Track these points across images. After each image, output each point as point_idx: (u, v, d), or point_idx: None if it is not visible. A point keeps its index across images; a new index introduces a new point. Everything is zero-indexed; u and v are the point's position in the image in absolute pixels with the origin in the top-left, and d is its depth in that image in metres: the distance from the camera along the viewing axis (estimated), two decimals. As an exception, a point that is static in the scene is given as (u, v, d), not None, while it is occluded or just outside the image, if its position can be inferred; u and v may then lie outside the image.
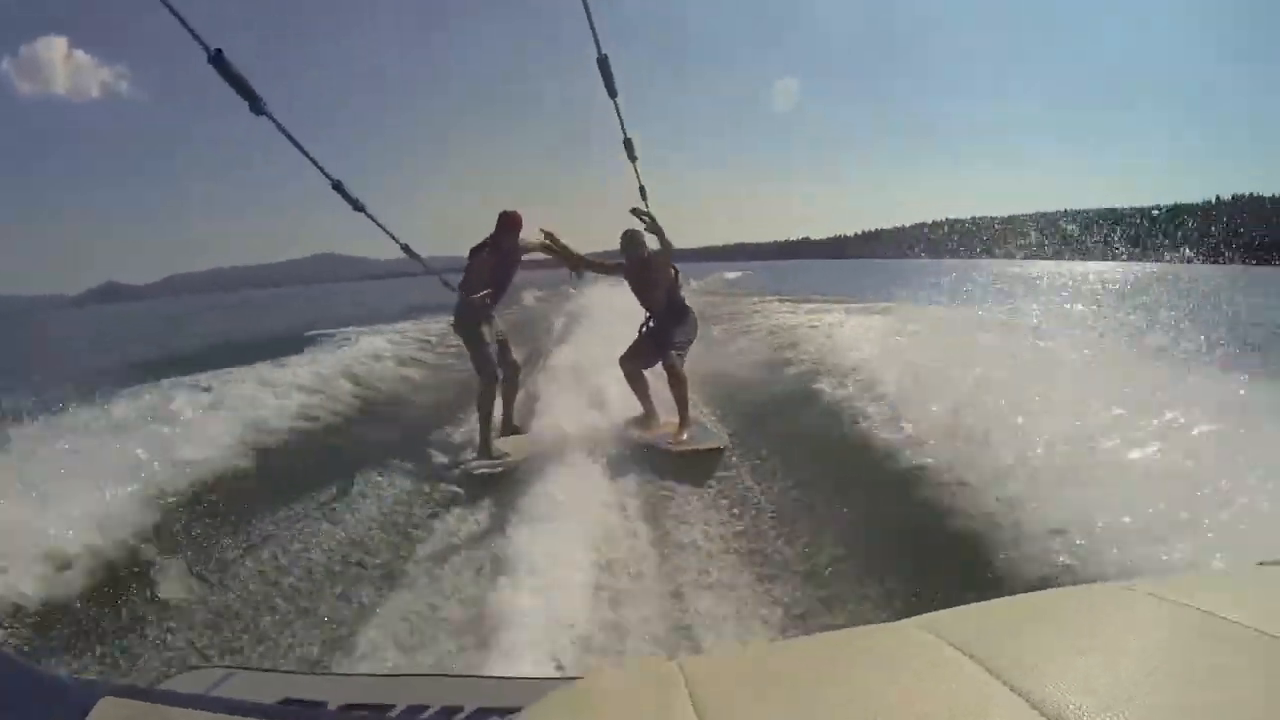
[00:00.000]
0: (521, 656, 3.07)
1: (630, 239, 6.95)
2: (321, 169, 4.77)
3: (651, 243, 6.86)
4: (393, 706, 1.38)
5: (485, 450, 6.50)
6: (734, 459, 6.27)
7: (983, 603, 1.06)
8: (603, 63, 5.27)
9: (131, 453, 5.51)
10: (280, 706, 1.36)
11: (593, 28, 4.73)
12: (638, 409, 7.13)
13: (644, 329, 7.14)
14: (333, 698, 1.47)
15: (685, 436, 6.48)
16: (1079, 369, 6.29)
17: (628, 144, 6.35)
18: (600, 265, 7.36)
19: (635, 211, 6.67)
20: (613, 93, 5.55)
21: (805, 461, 5.92)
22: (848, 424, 6.07)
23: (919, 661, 0.85)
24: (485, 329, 6.77)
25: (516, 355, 7.48)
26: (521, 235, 6.90)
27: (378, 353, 11.88)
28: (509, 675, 2.55)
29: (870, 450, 5.46)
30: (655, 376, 7.05)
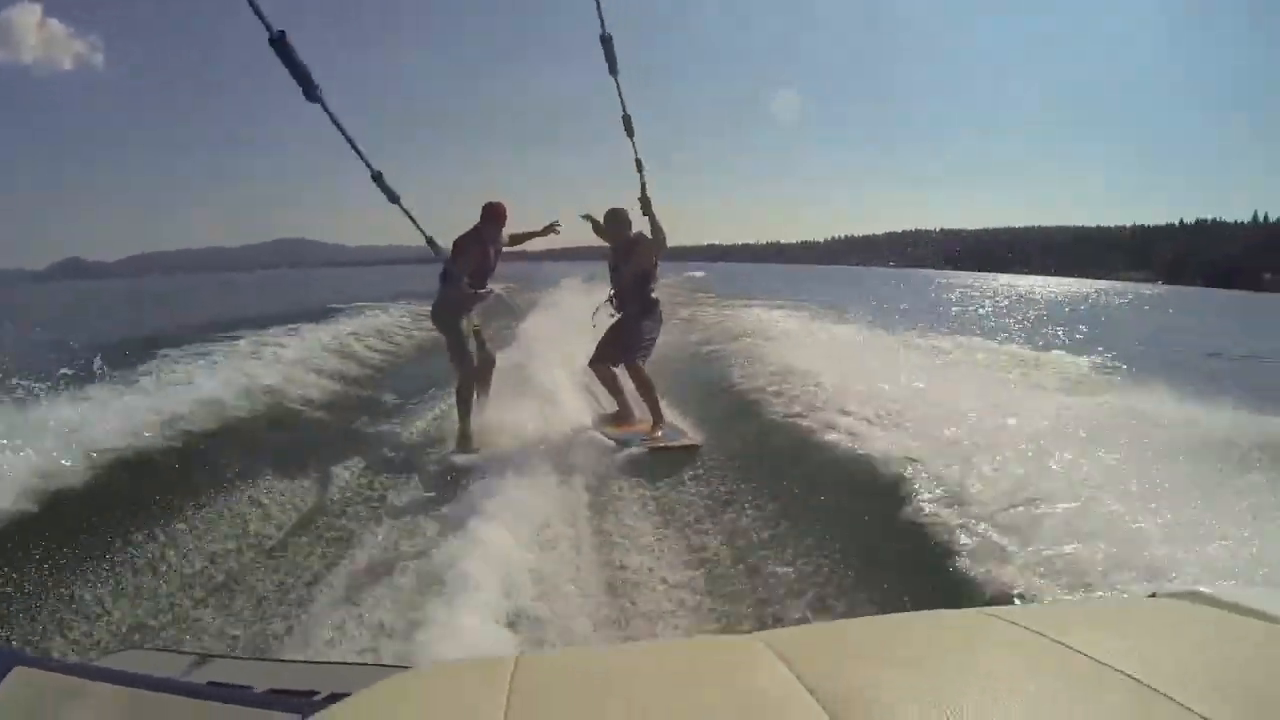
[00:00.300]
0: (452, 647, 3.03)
1: (615, 216, 6.94)
2: (365, 160, 4.75)
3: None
4: (316, 693, 1.36)
5: (464, 441, 6.54)
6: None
7: (836, 621, 1.12)
8: (606, 41, 5.29)
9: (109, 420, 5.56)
10: (200, 685, 1.34)
11: (598, 3, 4.83)
12: (612, 404, 7.22)
13: (609, 316, 7.18)
14: (259, 682, 1.44)
15: (659, 434, 6.56)
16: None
17: (626, 120, 6.28)
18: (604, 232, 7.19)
19: (642, 196, 6.50)
20: (614, 70, 5.51)
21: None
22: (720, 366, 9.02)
23: (746, 679, 0.87)
24: (463, 322, 6.81)
25: (490, 347, 7.49)
26: (506, 228, 6.96)
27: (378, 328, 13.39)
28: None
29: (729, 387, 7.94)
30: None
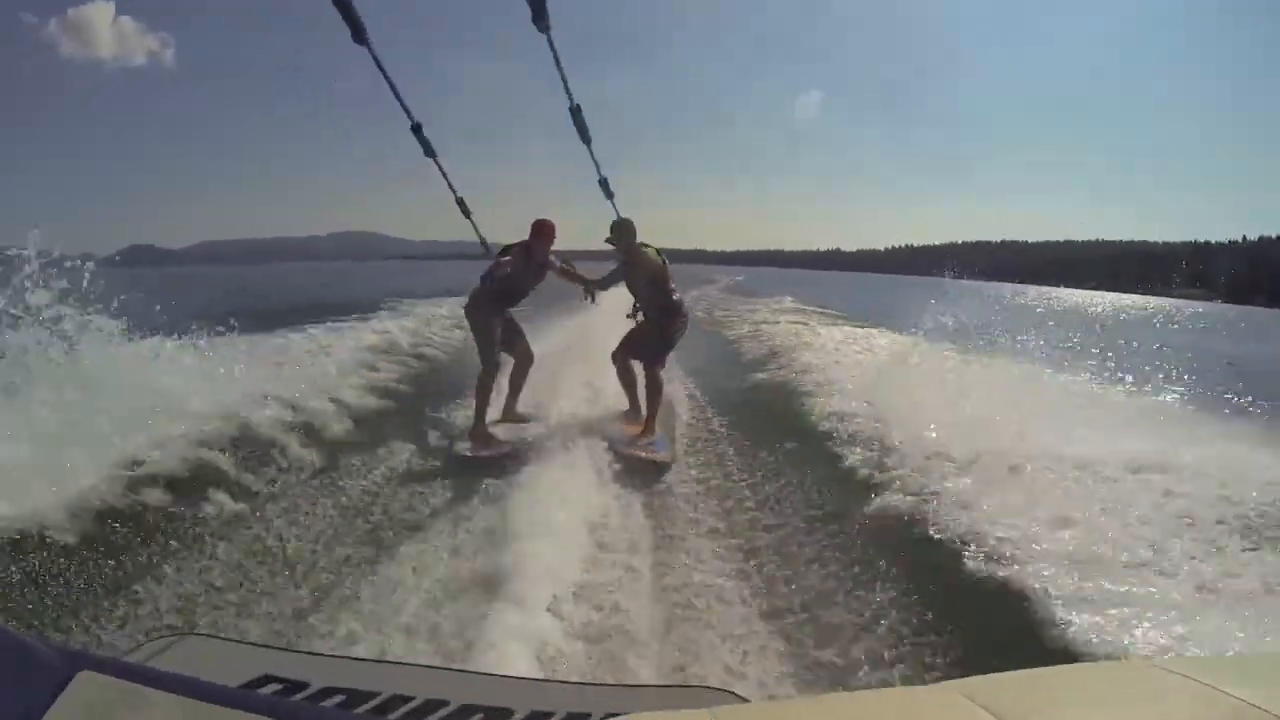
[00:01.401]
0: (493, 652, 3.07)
1: (618, 228, 6.70)
2: (407, 109, 4.73)
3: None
4: (377, 694, 1.35)
5: (478, 436, 6.58)
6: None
7: (1020, 672, 1.04)
8: (575, 112, 5.16)
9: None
10: (269, 697, 1.29)
11: (563, 77, 4.61)
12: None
13: (634, 317, 7.18)
14: (315, 678, 1.40)
15: (642, 441, 6.44)
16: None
17: (603, 183, 6.38)
18: (609, 280, 7.14)
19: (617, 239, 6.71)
20: (585, 140, 5.45)
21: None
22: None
23: None
24: (494, 320, 6.80)
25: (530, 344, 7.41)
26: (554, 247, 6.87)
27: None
28: (497, 673, 2.45)
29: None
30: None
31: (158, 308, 7.20)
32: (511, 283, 6.70)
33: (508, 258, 6.63)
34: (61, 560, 3.78)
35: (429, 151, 5.19)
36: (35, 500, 4.03)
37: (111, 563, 3.94)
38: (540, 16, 3.70)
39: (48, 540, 3.85)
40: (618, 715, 0.96)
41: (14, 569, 3.60)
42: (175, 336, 7.07)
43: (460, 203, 6.29)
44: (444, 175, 5.68)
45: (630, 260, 6.73)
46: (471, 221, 6.67)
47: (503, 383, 7.18)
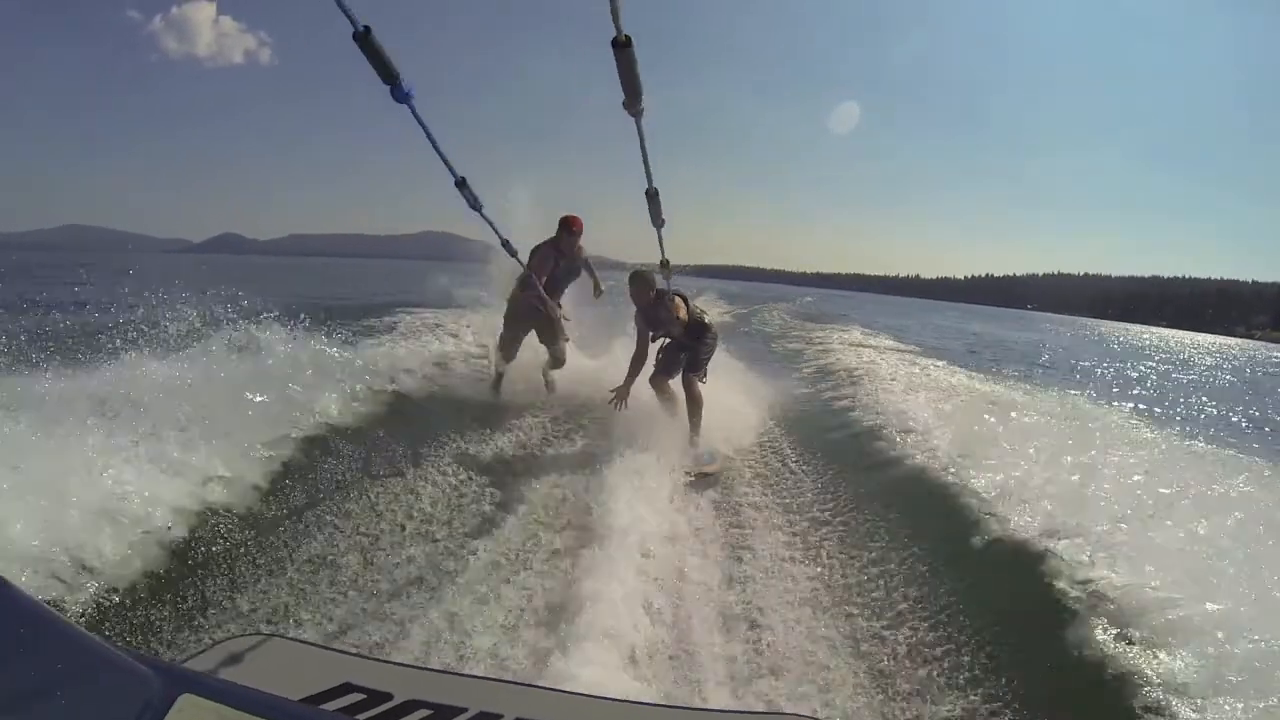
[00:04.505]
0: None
1: (638, 279, 6.81)
2: (449, 165, 4.53)
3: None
4: (463, 709, 1.36)
5: (498, 380, 7.78)
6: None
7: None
8: (652, 196, 4.72)
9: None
10: None
11: (645, 160, 4.09)
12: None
13: (666, 344, 7.18)
14: (397, 690, 1.43)
15: (690, 455, 6.49)
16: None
17: (664, 265, 6.33)
18: (640, 357, 7.21)
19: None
20: (658, 224, 5.14)
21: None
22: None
23: None
24: (523, 327, 7.52)
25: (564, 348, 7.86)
26: (582, 241, 7.40)
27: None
28: (580, 692, 2.39)
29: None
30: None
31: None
32: (548, 284, 7.19)
33: (537, 259, 7.12)
34: (164, 554, 3.65)
35: (474, 205, 4.95)
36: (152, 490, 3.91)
37: (191, 560, 3.77)
38: (634, 100, 3.25)
39: (147, 531, 3.68)
40: None
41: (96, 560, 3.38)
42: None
43: (506, 244, 6.21)
44: (492, 226, 5.54)
45: (656, 310, 6.77)
46: (517, 259, 6.65)
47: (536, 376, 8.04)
